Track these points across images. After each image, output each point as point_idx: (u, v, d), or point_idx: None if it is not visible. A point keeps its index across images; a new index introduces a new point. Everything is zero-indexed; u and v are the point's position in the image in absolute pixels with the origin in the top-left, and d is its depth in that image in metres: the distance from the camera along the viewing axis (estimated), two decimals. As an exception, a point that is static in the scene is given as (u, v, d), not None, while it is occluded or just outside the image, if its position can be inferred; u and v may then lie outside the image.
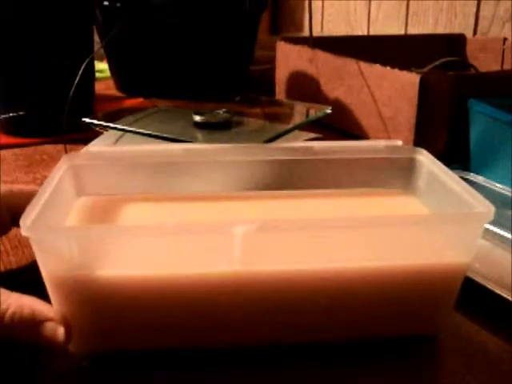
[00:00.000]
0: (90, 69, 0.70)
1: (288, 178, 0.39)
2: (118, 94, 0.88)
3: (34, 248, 0.28)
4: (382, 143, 0.40)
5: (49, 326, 0.29)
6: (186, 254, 0.30)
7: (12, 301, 0.29)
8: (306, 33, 1.28)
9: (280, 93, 0.81)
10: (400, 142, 0.40)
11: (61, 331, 0.29)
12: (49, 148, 0.64)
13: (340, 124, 0.69)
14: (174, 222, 0.28)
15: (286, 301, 0.31)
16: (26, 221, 0.28)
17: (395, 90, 0.60)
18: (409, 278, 0.31)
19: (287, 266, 0.30)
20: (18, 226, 0.29)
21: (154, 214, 0.37)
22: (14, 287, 0.31)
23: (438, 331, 0.33)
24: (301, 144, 0.43)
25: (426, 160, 0.38)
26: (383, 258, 0.30)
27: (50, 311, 0.29)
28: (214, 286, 0.30)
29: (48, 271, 0.29)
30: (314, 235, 0.30)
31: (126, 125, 0.56)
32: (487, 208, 0.30)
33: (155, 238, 0.30)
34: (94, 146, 0.40)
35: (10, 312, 0.29)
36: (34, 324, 0.29)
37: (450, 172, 0.35)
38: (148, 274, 0.29)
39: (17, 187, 0.38)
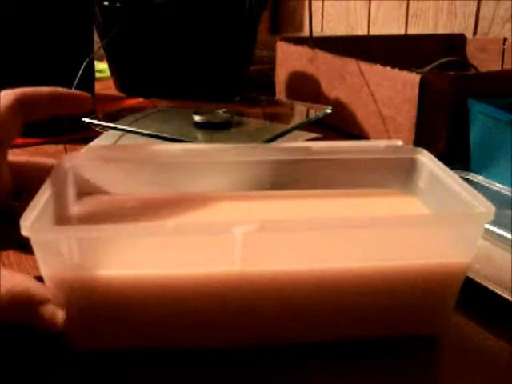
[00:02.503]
0: (90, 69, 0.70)
1: (288, 178, 0.39)
2: (118, 94, 0.88)
3: (34, 248, 0.28)
4: (382, 143, 0.40)
5: (48, 308, 0.29)
6: (186, 254, 0.30)
7: (4, 281, 0.29)
8: (306, 33, 1.28)
9: (280, 93, 0.81)
10: (400, 142, 0.40)
11: (60, 314, 0.29)
12: (49, 148, 0.64)
13: (340, 124, 0.69)
14: (174, 222, 0.28)
15: (286, 301, 0.31)
16: (27, 221, 0.28)
17: (395, 90, 0.60)
18: (409, 278, 0.31)
19: (287, 266, 0.30)
20: (19, 199, 0.28)
21: (155, 215, 0.37)
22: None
23: (438, 332, 0.33)
24: (301, 144, 0.43)
25: (426, 160, 0.38)
26: (383, 258, 0.30)
27: (44, 291, 0.29)
28: (214, 286, 0.30)
29: (48, 271, 0.29)
30: (313, 235, 0.30)
31: (126, 125, 0.56)
32: (487, 208, 0.30)
33: (155, 238, 0.30)
34: (95, 146, 0.40)
35: (2, 292, 0.28)
36: (31, 305, 0.29)
37: (450, 172, 0.35)
38: (148, 273, 0.29)
39: (33, 159, 0.36)
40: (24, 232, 0.28)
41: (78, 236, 0.29)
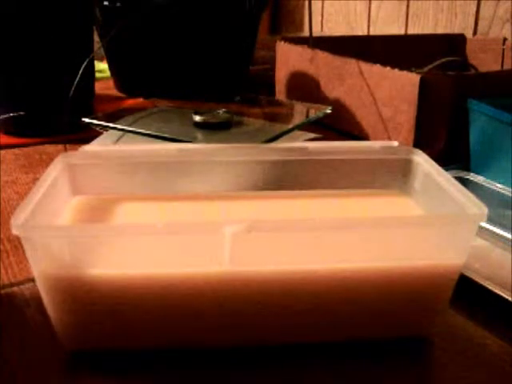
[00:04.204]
0: (90, 69, 0.70)
1: (286, 178, 0.39)
2: (118, 94, 0.88)
3: (25, 247, 0.28)
4: (377, 144, 0.39)
5: None
6: (176, 254, 0.30)
7: None
8: (305, 33, 1.28)
9: (280, 93, 0.81)
10: (396, 143, 0.40)
11: None
12: (49, 148, 0.64)
13: (340, 124, 0.69)
14: (164, 222, 0.28)
15: (276, 301, 0.30)
16: (18, 219, 0.28)
17: (395, 90, 0.60)
18: (402, 279, 0.31)
19: (277, 267, 0.30)
20: None
21: (149, 214, 0.37)
22: (13, 287, 0.31)
23: (433, 332, 0.33)
24: (299, 144, 0.43)
25: (421, 161, 0.38)
26: (376, 258, 0.30)
27: None
28: (203, 286, 0.29)
29: (39, 270, 0.29)
30: (303, 236, 0.30)
31: (126, 125, 0.56)
32: (480, 209, 0.30)
33: (145, 237, 0.29)
34: (91, 146, 0.40)
35: None
36: None
37: (445, 173, 0.35)
38: (138, 273, 0.29)
39: None
40: (15, 231, 0.27)
41: (68, 235, 0.29)
